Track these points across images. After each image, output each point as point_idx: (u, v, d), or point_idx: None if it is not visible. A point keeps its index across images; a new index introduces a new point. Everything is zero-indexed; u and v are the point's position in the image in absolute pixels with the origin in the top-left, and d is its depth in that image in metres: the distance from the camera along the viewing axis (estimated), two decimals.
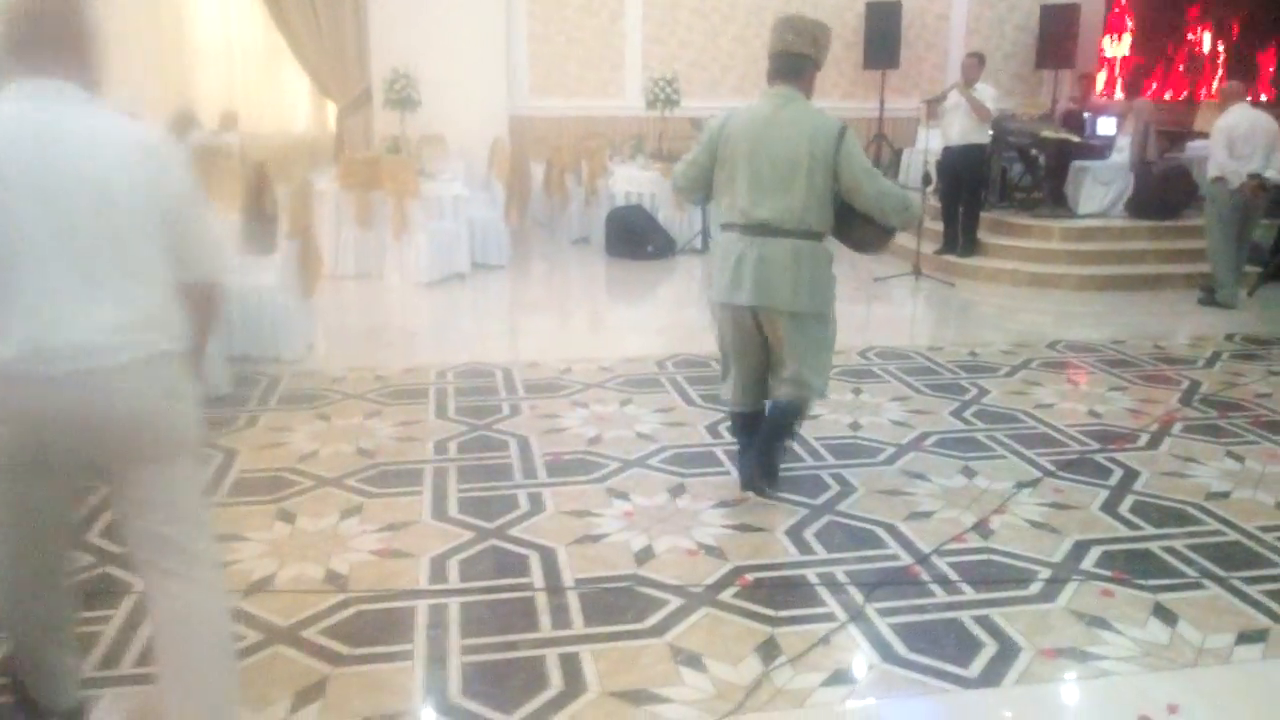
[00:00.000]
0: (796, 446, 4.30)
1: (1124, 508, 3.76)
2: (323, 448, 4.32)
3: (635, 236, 9.22)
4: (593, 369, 5.57)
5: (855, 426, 4.65)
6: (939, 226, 8.62)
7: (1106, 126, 9.67)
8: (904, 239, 9.12)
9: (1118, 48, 12.17)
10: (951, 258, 8.57)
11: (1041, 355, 5.95)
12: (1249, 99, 7.14)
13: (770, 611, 2.99)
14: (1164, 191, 8.83)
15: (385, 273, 7.96)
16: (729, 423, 4.18)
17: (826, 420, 4.69)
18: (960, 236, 8.58)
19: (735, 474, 4.00)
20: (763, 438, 3.84)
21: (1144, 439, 4.51)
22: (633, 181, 9.65)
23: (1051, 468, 4.13)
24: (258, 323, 5.55)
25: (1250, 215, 7.17)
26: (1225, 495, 3.89)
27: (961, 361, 5.78)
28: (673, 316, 7.27)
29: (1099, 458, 4.27)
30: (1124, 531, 3.56)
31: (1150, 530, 3.57)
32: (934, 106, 8.41)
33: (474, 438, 4.47)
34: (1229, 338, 6.42)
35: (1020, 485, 3.95)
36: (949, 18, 12.89)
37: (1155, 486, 3.97)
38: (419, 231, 7.81)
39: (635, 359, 5.76)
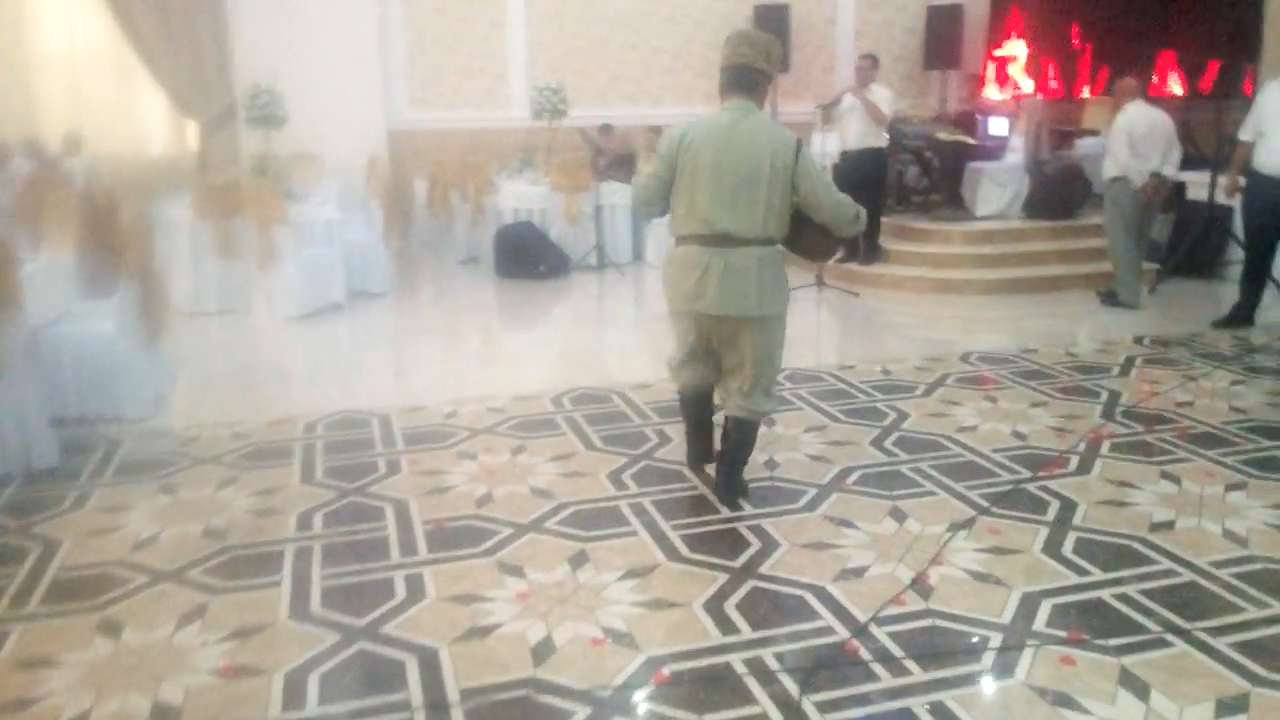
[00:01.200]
0: (710, 496, 3.90)
1: (1067, 548, 3.44)
2: (164, 530, 3.70)
3: (526, 256, 8.72)
4: (481, 411, 5.05)
5: (771, 465, 4.25)
6: None
7: (998, 127, 9.59)
8: None
9: (1005, 48, 12.18)
10: (854, 266, 8.33)
11: (956, 369, 5.68)
12: (1143, 96, 7.03)
13: (692, 716, 2.55)
14: (1059, 191, 8.76)
15: (252, 308, 7.28)
16: (680, 402, 4.16)
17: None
18: (862, 243, 8.33)
19: (687, 455, 4.18)
20: (729, 461, 3.91)
21: (1074, 462, 4.22)
22: (521, 197, 9.16)
23: (985, 504, 3.80)
24: (95, 377, 4.88)
25: (1149, 213, 7.08)
26: (1169, 526, 3.62)
27: (875, 381, 5.46)
28: (569, 342, 6.79)
29: (1032, 488, 3.96)
30: (1072, 579, 3.23)
31: (1099, 575, 3.25)
32: (829, 111, 8.14)
33: (345, 506, 3.91)
34: (1138, 340, 6.27)
35: (955, 527, 3.60)
36: (836, 21, 12.75)
37: (1095, 519, 3.67)
38: (288, 260, 7.16)
39: (528, 396, 5.27)
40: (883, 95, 8.05)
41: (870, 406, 5.04)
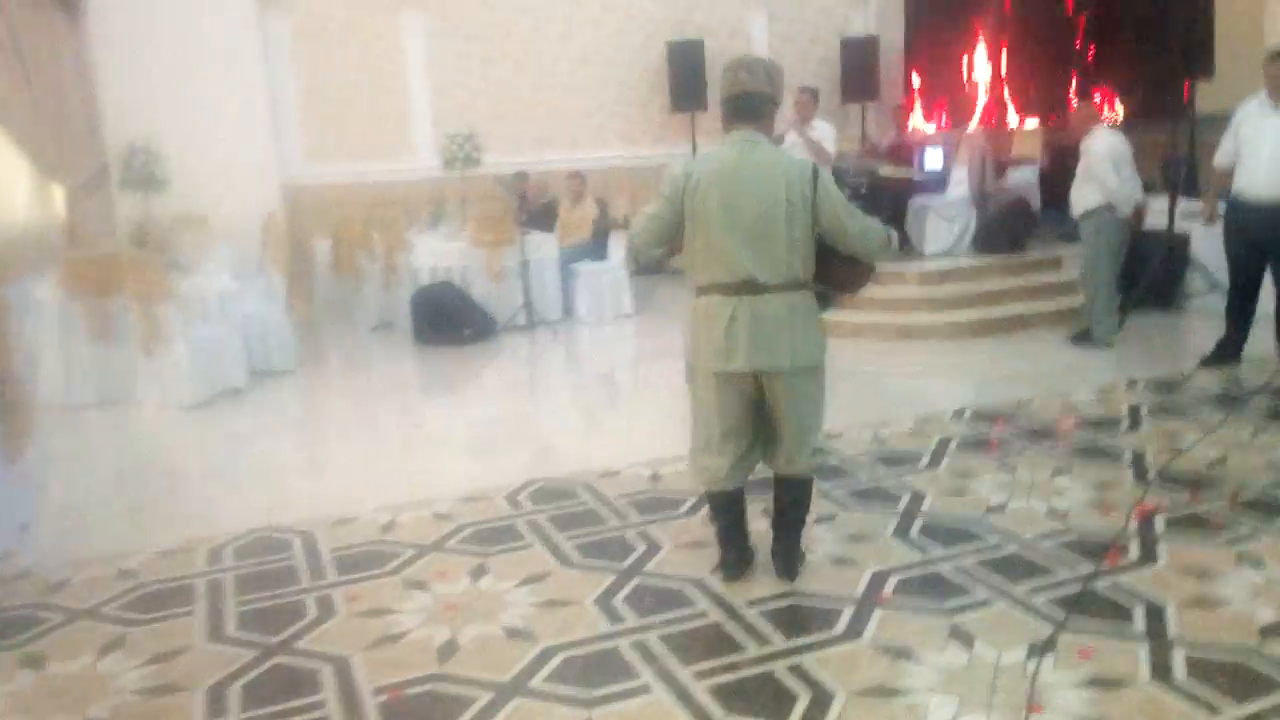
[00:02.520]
0: (728, 625, 3.18)
1: (1178, 674, 2.82)
2: None
3: (448, 319, 7.92)
4: (425, 519, 4.24)
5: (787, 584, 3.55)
6: None
7: (934, 159, 9.22)
8: None
9: (924, 78, 11.95)
10: None
11: (955, 431, 5.10)
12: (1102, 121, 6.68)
13: None
14: (1007, 224, 8.40)
15: (136, 399, 6.30)
16: (707, 505, 3.68)
17: (753, 581, 3.58)
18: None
19: (717, 567, 3.58)
20: (785, 526, 3.56)
21: (1134, 549, 3.64)
22: (438, 255, 8.36)
23: (1059, 615, 3.17)
24: None
25: (1128, 243, 6.70)
26: None
27: (871, 451, 4.84)
28: (512, 420, 6.00)
29: (1099, 586, 3.35)
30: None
31: (1236, 709, 2.64)
32: None
33: (269, 672, 3.06)
34: (1131, 385, 5.82)
35: (1037, 652, 2.95)
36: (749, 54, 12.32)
37: (1194, 626, 3.07)
38: (177, 341, 6.22)
39: (479, 496, 4.48)
40: (825, 131, 7.57)
41: (877, 486, 4.40)
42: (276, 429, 6.02)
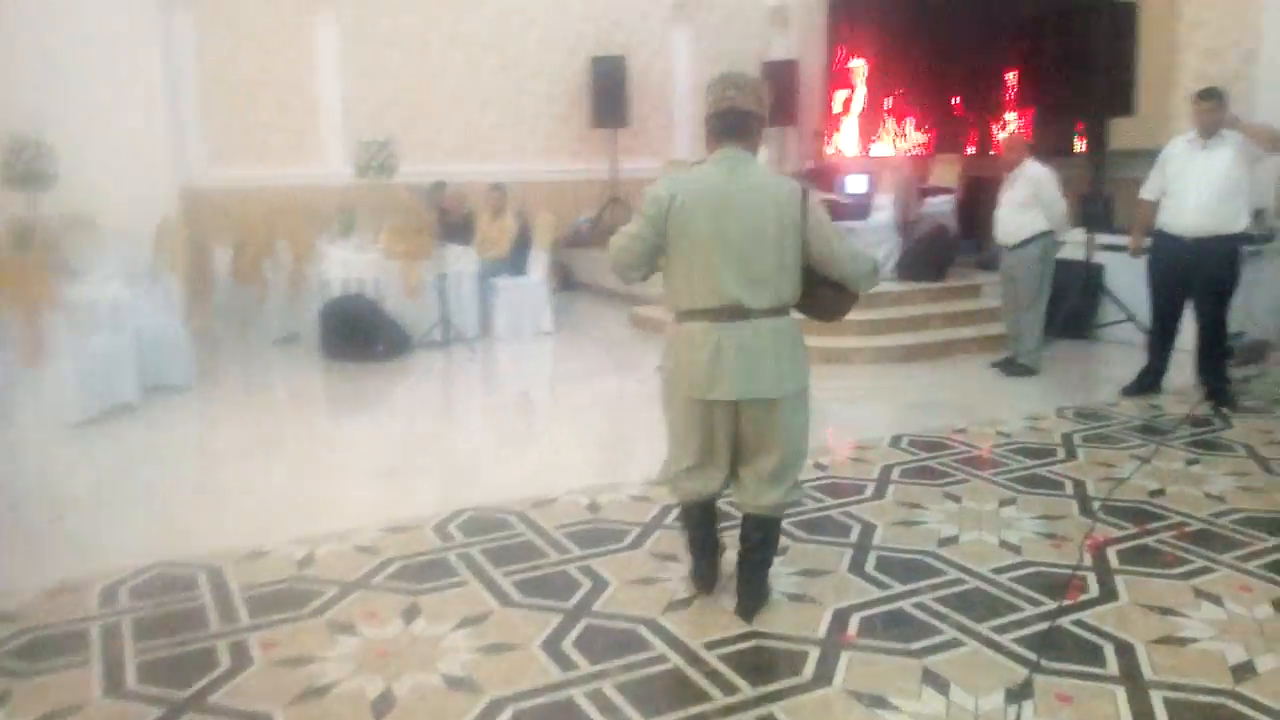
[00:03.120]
0: (689, 670, 2.96)
1: (1160, 716, 2.73)
2: None
3: (360, 334, 7.53)
4: (346, 553, 3.91)
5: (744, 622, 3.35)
6: None
7: (857, 185, 9.26)
8: None
9: (843, 104, 12.06)
10: None
11: (894, 459, 5.01)
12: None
13: None
14: (932, 251, 8.46)
15: (16, 416, 5.75)
16: (683, 515, 3.50)
17: (709, 622, 3.38)
18: None
19: (689, 576, 3.53)
20: (752, 566, 3.40)
21: (1092, 583, 3.56)
22: (350, 265, 7.97)
23: (1031, 656, 3.04)
24: None
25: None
26: (1251, 671, 2.98)
27: (814, 480, 4.68)
28: (431, 442, 5.67)
29: (1066, 623, 3.25)
30: None
31: None
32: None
33: None
34: (1061, 413, 5.84)
35: (1014, 697, 2.82)
36: (673, 73, 12.28)
37: (1167, 669, 2.97)
38: (63, 353, 5.71)
39: (404, 526, 4.17)
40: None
41: (825, 517, 4.25)
42: (174, 450, 5.56)
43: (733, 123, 3.17)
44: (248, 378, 7.33)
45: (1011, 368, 6.82)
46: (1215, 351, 5.89)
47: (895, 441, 5.31)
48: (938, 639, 3.16)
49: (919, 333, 7.60)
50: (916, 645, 3.12)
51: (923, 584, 3.57)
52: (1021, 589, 3.51)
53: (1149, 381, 6.17)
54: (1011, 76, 9.83)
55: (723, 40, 12.42)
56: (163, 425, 5.90)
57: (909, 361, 7.20)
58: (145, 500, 4.68)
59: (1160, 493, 4.48)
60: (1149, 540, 3.94)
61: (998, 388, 6.57)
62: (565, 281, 10.60)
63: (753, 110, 3.18)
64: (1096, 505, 4.32)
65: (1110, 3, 7.29)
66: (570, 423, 6.11)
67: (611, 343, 8.43)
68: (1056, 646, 3.10)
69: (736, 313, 3.10)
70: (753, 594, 3.38)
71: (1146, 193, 6.01)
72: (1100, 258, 7.76)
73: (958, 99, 10.73)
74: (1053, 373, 6.85)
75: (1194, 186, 5.59)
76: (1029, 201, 6.45)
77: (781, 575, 3.65)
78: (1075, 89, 7.54)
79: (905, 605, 3.40)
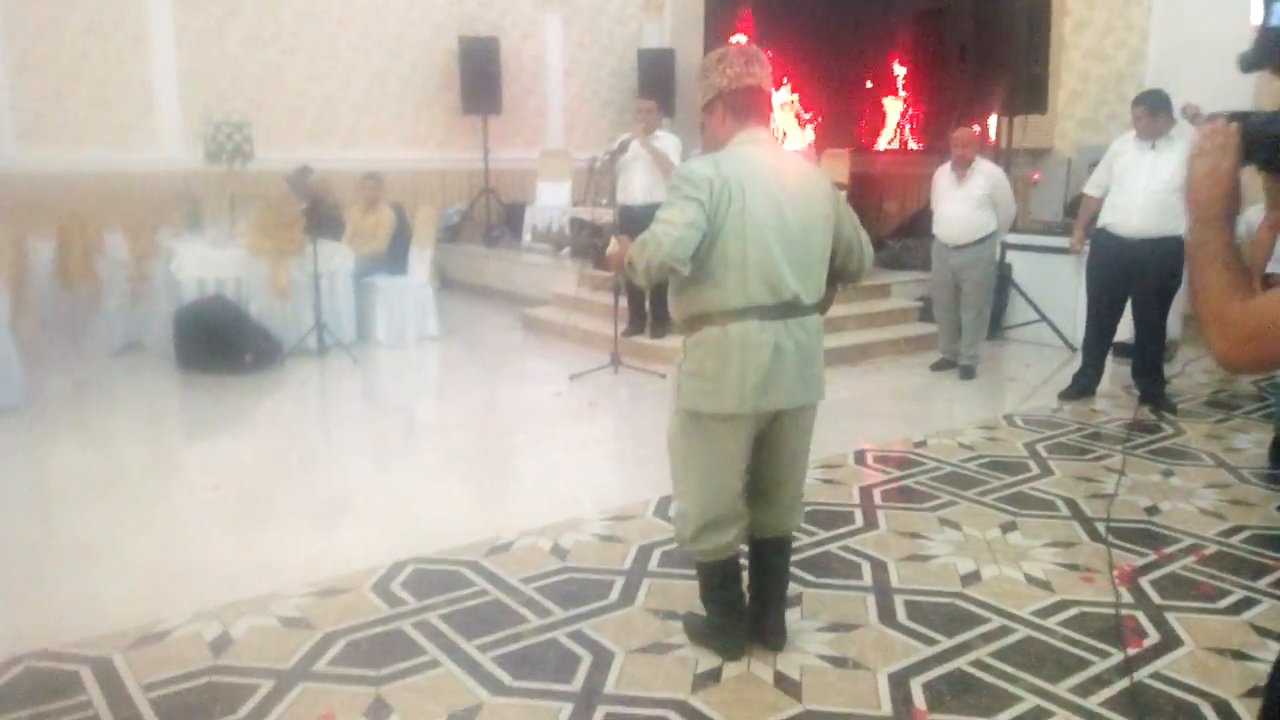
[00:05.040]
0: None
1: None
2: None
3: (223, 342, 6.56)
4: (272, 629, 3.13)
5: (785, 682, 2.82)
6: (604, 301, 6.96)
7: None
8: (598, 322, 7.51)
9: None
10: (643, 339, 7.12)
11: (866, 478, 4.61)
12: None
13: None
14: None
15: None
16: (711, 577, 2.99)
17: (753, 699, 2.83)
18: (650, 314, 7.16)
19: (709, 641, 3.02)
20: (779, 595, 3.08)
21: (1147, 625, 3.22)
22: (207, 264, 6.94)
23: None
24: None
25: None
26: None
27: None
28: (345, 475, 4.85)
29: (1147, 678, 2.88)
30: None
31: None
32: (614, 159, 6.87)
33: None
34: (1010, 421, 5.61)
35: None
36: (545, 59, 11.61)
37: None
38: None
39: (336, 588, 3.41)
40: (670, 143, 6.95)
41: (826, 554, 3.77)
42: (12, 493, 4.52)
43: (760, 103, 2.85)
44: (88, 395, 6.22)
45: (950, 369, 6.61)
46: (1154, 354, 5.80)
47: (859, 458, 4.91)
48: (1020, 709, 2.72)
49: (836, 336, 7.27)
50: (1003, 718, 2.67)
51: (970, 635, 3.13)
52: (1076, 635, 3.13)
53: (1085, 385, 6.04)
54: (905, 70, 9.69)
55: (595, 26, 11.86)
56: None
57: (831, 366, 6.84)
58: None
59: (1155, 510, 4.25)
60: (1175, 568, 3.66)
61: (934, 393, 6.32)
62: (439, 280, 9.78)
63: (771, 93, 2.88)
64: (1101, 528, 4.03)
65: (1028, 1, 7.17)
66: (494, 444, 5.40)
67: (507, 348, 7.73)
68: (1150, 710, 2.72)
69: (794, 309, 2.76)
70: (780, 625, 3.05)
71: (1090, 188, 5.88)
72: (1009, 257, 7.67)
73: (848, 92, 10.55)
74: (982, 376, 6.66)
75: (1142, 187, 5.45)
76: (985, 200, 6.21)
77: (809, 632, 3.14)
78: (985, 85, 7.40)
79: (964, 665, 2.95)
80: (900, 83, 9.82)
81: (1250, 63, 1.37)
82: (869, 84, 10.20)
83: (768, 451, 2.93)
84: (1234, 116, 1.46)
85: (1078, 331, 7.33)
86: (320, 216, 7.30)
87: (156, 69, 9.20)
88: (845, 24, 10.04)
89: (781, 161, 2.81)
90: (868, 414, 5.80)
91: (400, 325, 7.67)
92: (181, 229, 7.78)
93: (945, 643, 3.09)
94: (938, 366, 6.74)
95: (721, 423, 2.77)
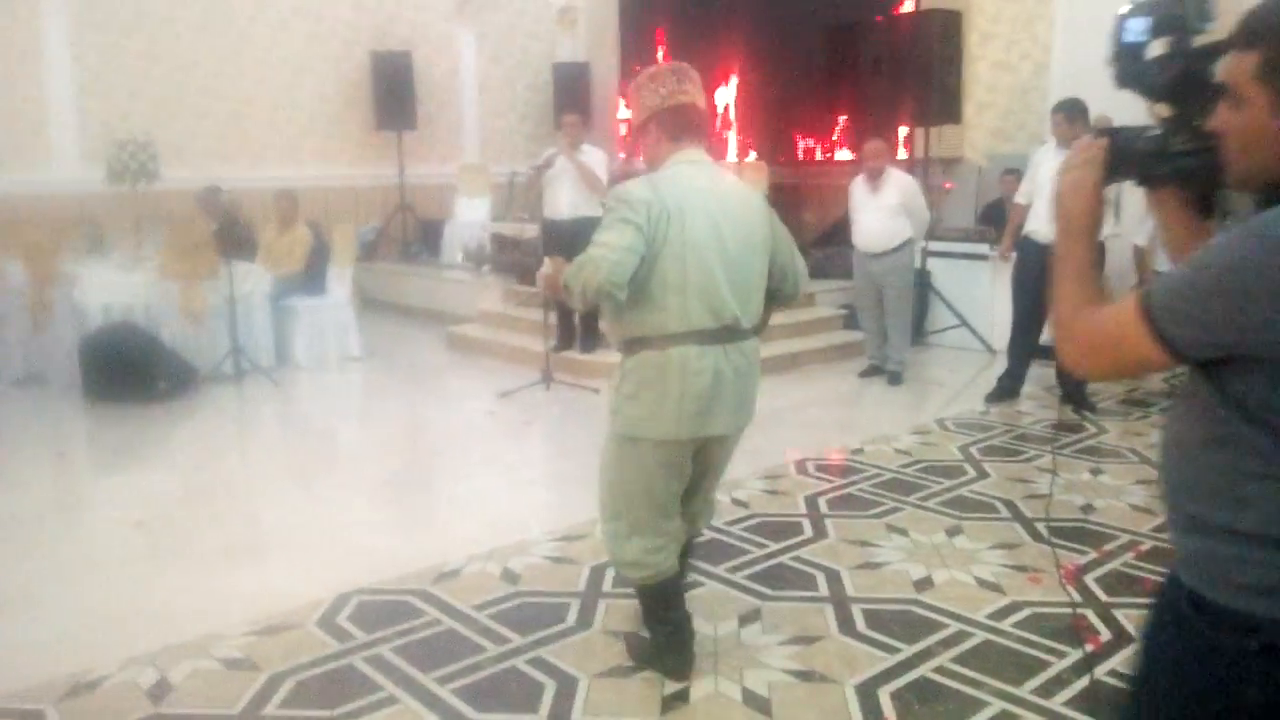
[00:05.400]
0: None
1: None
2: None
3: (134, 369, 6.28)
4: (215, 672, 2.97)
5: (717, 700, 2.79)
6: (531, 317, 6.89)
7: None
8: (526, 339, 7.40)
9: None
10: (573, 354, 7.05)
11: (809, 488, 4.62)
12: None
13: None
14: None
15: None
16: (652, 599, 2.93)
17: (723, 716, 2.78)
18: (580, 328, 7.09)
19: (673, 668, 2.92)
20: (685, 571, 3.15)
21: (1096, 623, 3.29)
22: (113, 289, 6.64)
23: None
24: None
25: None
26: None
27: (738, 519, 4.20)
28: (273, 501, 4.66)
29: (1105, 675, 2.94)
30: None
31: None
32: (539, 174, 6.80)
33: None
34: (942, 425, 5.71)
35: None
36: (459, 73, 11.47)
37: None
38: None
39: (278, 625, 3.26)
40: (596, 157, 6.92)
41: (779, 565, 3.76)
42: None
43: (694, 120, 2.83)
44: None
45: (878, 376, 6.71)
46: None
47: (800, 467, 4.93)
48: (988, 714, 2.74)
49: (766, 345, 7.25)
50: None
51: (930, 641, 3.15)
52: (1033, 637, 3.18)
53: (1009, 387, 6.20)
54: (820, 83, 9.83)
55: (509, 40, 11.78)
56: None
57: (766, 374, 6.89)
58: None
59: (1090, 508, 4.36)
60: (1117, 565, 3.75)
61: (865, 400, 6.41)
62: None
63: (704, 109, 2.86)
64: (1041, 527, 4.11)
65: (941, 11, 7.35)
66: (429, 467, 5.27)
67: (434, 367, 7.57)
68: (1110, 704, 2.77)
69: (733, 334, 2.72)
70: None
71: (1020, 197, 6.08)
72: (929, 264, 7.83)
73: (764, 105, 10.67)
74: (908, 380, 6.77)
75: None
76: (899, 208, 6.32)
77: (772, 646, 3.12)
78: (899, 97, 7.56)
79: (927, 672, 2.96)
80: (816, 95, 9.97)
81: (1118, 82, 1.41)
82: (785, 97, 10.33)
83: (696, 473, 2.92)
84: (1102, 132, 1.48)
85: (995, 335, 7.56)
86: (233, 237, 7.04)
87: (52, 86, 8.78)
88: (759, 37, 10.17)
89: (719, 182, 2.78)
90: (802, 423, 5.84)
91: (321, 347, 7.45)
92: (82, 253, 7.43)
93: (906, 650, 3.10)
94: (866, 373, 6.84)
95: (659, 448, 2.73)
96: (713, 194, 2.72)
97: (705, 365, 2.66)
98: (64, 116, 8.83)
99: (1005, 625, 3.26)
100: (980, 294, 7.64)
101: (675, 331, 2.65)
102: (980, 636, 3.19)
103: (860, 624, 3.28)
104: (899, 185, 6.37)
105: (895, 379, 6.64)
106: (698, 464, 2.90)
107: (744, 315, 2.72)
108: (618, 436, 2.81)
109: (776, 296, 2.95)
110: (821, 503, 4.43)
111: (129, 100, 9.10)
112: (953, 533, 4.08)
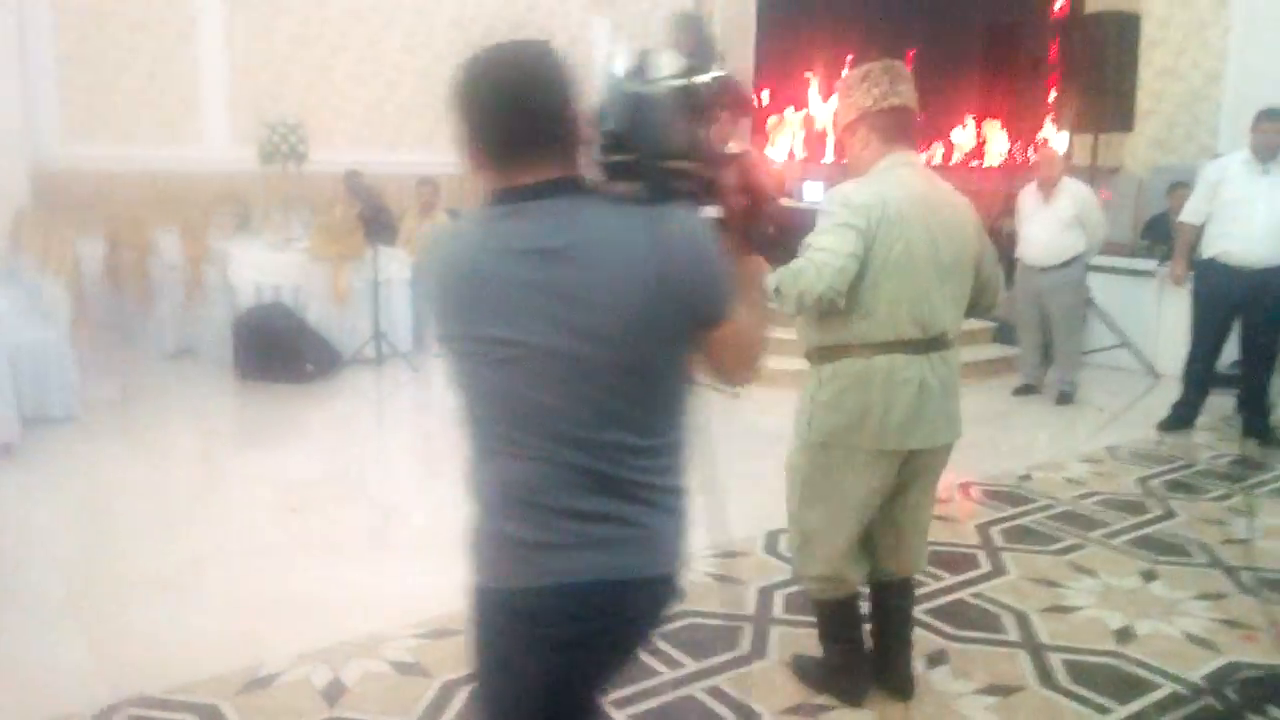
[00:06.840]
0: None
1: None
2: None
3: (284, 351, 6.35)
4: (386, 676, 2.90)
5: None
6: None
7: (814, 192, 8.67)
8: None
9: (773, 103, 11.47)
10: None
11: (975, 515, 4.36)
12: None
13: None
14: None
15: None
16: (832, 616, 2.85)
17: None
18: None
19: (849, 693, 2.82)
20: (904, 641, 2.90)
21: None
22: (264, 269, 6.72)
23: None
24: None
25: None
26: None
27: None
28: (429, 492, 4.63)
29: None
30: None
31: None
32: None
33: None
34: (1114, 454, 5.35)
35: None
36: (593, 62, 11.35)
37: None
38: None
39: (445, 628, 3.17)
40: None
41: (957, 601, 3.53)
42: (72, 511, 4.29)
43: (905, 122, 2.69)
44: (148, 406, 5.97)
45: (1062, 397, 6.34)
46: (1263, 385, 5.53)
47: (966, 493, 4.67)
48: None
49: None
50: None
51: (1145, 703, 2.88)
52: (1258, 704, 2.88)
53: (1185, 415, 5.78)
54: (972, 83, 9.44)
55: (644, 30, 11.63)
56: (48, 474, 4.62)
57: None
58: (40, 592, 3.48)
59: None
60: None
61: (1021, 420, 6.08)
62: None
63: (916, 110, 2.71)
64: (1245, 577, 3.77)
65: (1118, 13, 6.92)
66: None
67: None
68: None
69: (940, 343, 2.62)
70: (908, 672, 2.89)
71: (1190, 216, 5.61)
72: (1091, 280, 7.40)
73: (924, 108, 10.30)
74: (1071, 404, 6.39)
75: (1261, 214, 5.18)
76: (1073, 220, 5.96)
77: (968, 695, 2.90)
78: (1062, 101, 7.15)
79: None
80: (966, 96, 9.56)
81: None
82: (933, 97, 9.94)
83: (898, 490, 2.74)
84: None
85: (1159, 357, 7.11)
86: (376, 221, 7.09)
87: (205, 66, 8.99)
88: (909, 33, 9.79)
89: (934, 189, 2.66)
90: (961, 442, 5.53)
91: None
92: (231, 230, 7.57)
93: (1119, 710, 2.84)
94: (1020, 392, 6.49)
95: (857, 459, 2.60)
96: (929, 201, 2.60)
97: (911, 376, 2.55)
98: (216, 96, 9.03)
99: (1226, 690, 2.97)
100: (1144, 313, 7.19)
101: (881, 340, 2.55)
102: (1199, 700, 2.91)
103: (1061, 676, 3.03)
104: (1075, 196, 5.99)
105: (1065, 398, 6.28)
106: (903, 485, 2.74)
107: (951, 327, 2.63)
108: (811, 445, 2.68)
109: (975, 308, 2.82)
110: (995, 534, 4.17)
111: (276, 83, 9.26)
112: (1148, 577, 3.77)
